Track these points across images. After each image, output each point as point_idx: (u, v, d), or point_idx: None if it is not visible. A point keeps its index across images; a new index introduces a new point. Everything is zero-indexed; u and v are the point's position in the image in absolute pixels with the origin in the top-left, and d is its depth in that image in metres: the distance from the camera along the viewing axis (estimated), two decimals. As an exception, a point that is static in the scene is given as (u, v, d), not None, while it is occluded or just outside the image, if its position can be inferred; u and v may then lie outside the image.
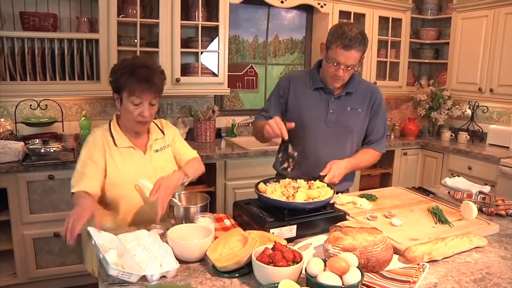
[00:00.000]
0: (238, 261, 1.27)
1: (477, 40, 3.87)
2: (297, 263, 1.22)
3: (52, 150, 2.79)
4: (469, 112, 4.27)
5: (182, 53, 3.37)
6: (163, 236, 1.57)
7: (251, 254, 1.27)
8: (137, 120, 1.77)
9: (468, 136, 4.10)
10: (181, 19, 3.29)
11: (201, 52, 3.50)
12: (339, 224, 1.44)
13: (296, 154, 1.89)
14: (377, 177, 4.27)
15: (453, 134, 4.23)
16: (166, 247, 1.38)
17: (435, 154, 4.10)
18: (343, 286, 1.13)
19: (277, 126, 1.80)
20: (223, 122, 4.01)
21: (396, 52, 4.37)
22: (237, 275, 1.30)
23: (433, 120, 4.26)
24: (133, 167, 1.80)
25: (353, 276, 1.16)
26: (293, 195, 1.66)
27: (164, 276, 1.28)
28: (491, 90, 3.77)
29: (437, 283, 1.32)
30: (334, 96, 2.05)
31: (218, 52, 3.49)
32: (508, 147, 3.80)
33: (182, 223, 1.61)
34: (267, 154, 3.45)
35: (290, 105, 2.12)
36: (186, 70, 3.50)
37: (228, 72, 3.57)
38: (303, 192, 1.66)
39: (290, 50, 4.21)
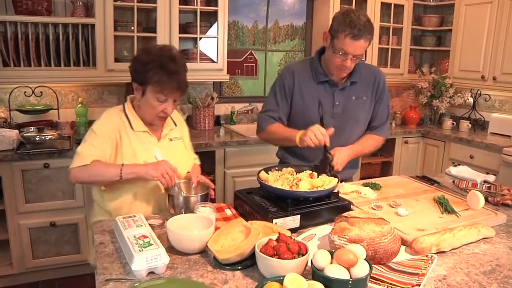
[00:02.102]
0: (241, 253, 1.23)
1: (480, 27, 3.80)
2: (303, 255, 1.18)
3: (47, 138, 2.72)
4: (471, 100, 4.21)
5: (180, 38, 3.30)
6: (160, 226, 1.52)
7: (254, 246, 1.22)
8: (159, 116, 1.73)
9: (470, 125, 4.05)
10: (179, 4, 3.21)
11: (200, 38, 3.42)
12: (345, 214, 1.39)
13: (332, 158, 1.81)
14: (378, 165, 4.23)
15: (455, 123, 4.18)
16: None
17: (436, 142, 4.05)
18: (351, 280, 1.09)
19: (321, 134, 1.74)
20: (222, 109, 3.95)
21: (398, 39, 4.29)
22: (239, 267, 1.25)
23: (435, 108, 4.20)
24: (149, 151, 1.75)
25: (361, 269, 1.12)
26: (296, 184, 1.61)
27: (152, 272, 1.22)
28: (494, 78, 3.71)
29: (446, 275, 1.28)
30: (339, 87, 1.99)
31: (217, 38, 3.41)
32: (510, 136, 3.75)
33: (182, 213, 1.56)
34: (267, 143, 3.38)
35: (295, 101, 2.03)
36: (184, 56, 3.40)
37: (227, 58, 3.50)
38: (306, 181, 1.61)
39: (291, 36, 4.13)
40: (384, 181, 2.12)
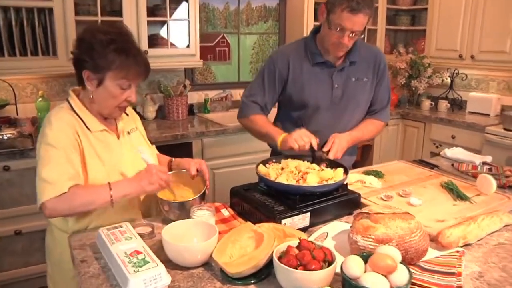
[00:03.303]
0: (256, 265, 1.05)
1: (457, 5, 3.72)
2: (329, 262, 1.01)
3: (5, 137, 2.44)
4: (447, 80, 4.16)
5: (148, 22, 3.03)
6: (150, 235, 1.31)
7: (271, 255, 1.04)
8: (122, 106, 1.44)
9: (449, 105, 4.00)
10: (146, -16, 2.94)
11: (169, 21, 3.16)
12: (365, 210, 1.23)
13: (325, 155, 1.65)
14: (358, 149, 4.11)
15: (433, 103, 4.12)
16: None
17: (416, 123, 3.99)
18: (393, 290, 0.93)
19: (306, 140, 1.60)
20: (195, 97, 3.71)
21: (373, 19, 4.16)
22: (253, 281, 1.08)
23: (413, 89, 4.13)
24: (114, 154, 1.46)
25: (401, 275, 0.96)
26: (302, 178, 1.44)
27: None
28: (472, 57, 3.66)
29: (481, 272, 1.16)
30: (337, 68, 1.82)
31: (189, 21, 3.16)
32: (488, 115, 3.73)
33: (172, 216, 1.37)
34: (247, 131, 3.19)
35: (289, 87, 1.85)
36: (153, 41, 3.16)
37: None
38: (314, 174, 1.44)
39: (264, 18, 3.93)
40: (384, 167, 1.99)
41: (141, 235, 1.27)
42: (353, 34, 1.67)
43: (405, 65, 4.06)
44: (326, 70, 1.81)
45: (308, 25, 3.69)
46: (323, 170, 1.50)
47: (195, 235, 1.20)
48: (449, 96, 4.16)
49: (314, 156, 1.61)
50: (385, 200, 1.58)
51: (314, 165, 1.54)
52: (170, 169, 1.63)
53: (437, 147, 3.76)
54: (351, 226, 1.24)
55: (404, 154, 4.08)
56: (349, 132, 1.83)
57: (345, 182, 1.48)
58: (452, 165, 2.11)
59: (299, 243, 1.05)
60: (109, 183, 1.33)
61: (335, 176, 1.46)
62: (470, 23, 3.64)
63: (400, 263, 1.00)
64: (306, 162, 1.58)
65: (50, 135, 1.34)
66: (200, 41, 3.30)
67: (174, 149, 3.05)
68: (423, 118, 3.91)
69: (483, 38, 3.56)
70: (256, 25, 3.91)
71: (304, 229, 1.36)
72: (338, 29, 1.65)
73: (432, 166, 2.06)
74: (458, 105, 4.05)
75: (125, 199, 1.45)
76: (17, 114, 2.84)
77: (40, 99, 2.83)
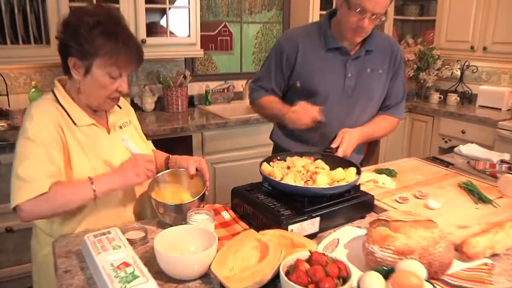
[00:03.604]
0: (260, 281, 0.92)
1: (469, -7, 3.57)
2: (344, 279, 0.88)
3: (-5, 129, 2.30)
4: (457, 72, 4.01)
5: (146, 10, 2.88)
6: (143, 241, 1.19)
7: (277, 269, 0.92)
8: (112, 97, 1.30)
9: (458, 98, 3.86)
10: (144, -31, 2.79)
11: (169, 8, 3.02)
12: (383, 216, 1.10)
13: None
14: (364, 144, 3.98)
15: (442, 96, 3.98)
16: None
17: (424, 117, 3.84)
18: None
19: (308, 113, 1.52)
20: (195, 88, 3.58)
21: (381, 8, 4.01)
22: (257, 297, 0.95)
23: (422, 81, 3.98)
24: (103, 150, 1.32)
25: (428, 296, 0.84)
26: (311, 178, 1.31)
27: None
28: (484, 48, 3.51)
29: (513, 287, 1.03)
30: (352, 56, 1.68)
31: (189, 8, 3.02)
32: (500, 109, 3.58)
33: (168, 220, 1.25)
34: (249, 123, 3.08)
35: (298, 72, 1.72)
36: (152, 30, 3.02)
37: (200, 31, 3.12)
38: (324, 174, 1.31)
39: (267, 7, 3.77)
40: (396, 165, 1.85)
41: (132, 241, 1.15)
42: (374, 17, 1.54)
43: (414, 57, 3.91)
44: (340, 57, 1.68)
45: (314, 14, 3.54)
46: (332, 169, 1.37)
47: (192, 243, 1.08)
48: (459, 89, 4.01)
49: (319, 127, 1.55)
50: (400, 202, 1.45)
51: (323, 164, 1.41)
52: (167, 167, 1.50)
53: (446, 142, 3.63)
54: (366, 234, 1.11)
55: (411, 148, 3.95)
56: (360, 127, 1.69)
57: (357, 183, 1.35)
58: (468, 163, 1.98)
59: (310, 256, 0.93)
60: (89, 177, 1.20)
61: (346, 176, 1.33)
62: (483, 13, 3.48)
63: (426, 280, 0.88)
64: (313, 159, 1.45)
65: (30, 129, 1.21)
66: (201, 30, 3.16)
67: (173, 142, 2.93)
68: (431, 112, 3.77)
69: (497, 28, 3.41)
70: (259, 13, 3.76)
71: (312, 235, 1.23)
72: (358, 10, 1.51)
73: (447, 164, 1.93)
74: (467, 98, 3.91)
75: (117, 199, 1.33)
76: (9, 106, 2.71)
77: (33, 90, 2.70)
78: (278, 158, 1.49)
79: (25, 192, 1.14)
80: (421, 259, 0.98)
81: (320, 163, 1.41)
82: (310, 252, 0.94)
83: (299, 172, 1.34)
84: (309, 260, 0.92)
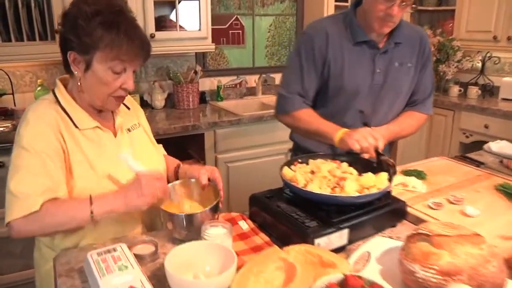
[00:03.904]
0: (288, 309, 0.81)
1: (492, -20, 3.39)
2: (385, 308, 0.77)
3: (0, 130, 2.21)
4: (478, 64, 3.84)
5: (155, 3, 2.77)
6: (152, 257, 1.08)
7: (307, 295, 0.80)
8: (117, 95, 1.18)
9: (479, 91, 3.69)
10: (153, -40, 2.67)
11: (179, 2, 2.90)
12: (423, 230, 0.98)
13: (392, 161, 1.36)
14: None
15: (462, 89, 3.81)
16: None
17: (444, 111, 3.68)
18: None
19: (372, 141, 1.34)
20: (206, 84, 3.47)
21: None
22: (284, 325, 0.84)
23: (441, 74, 3.82)
24: (108, 157, 1.20)
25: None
26: (338, 185, 1.19)
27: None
28: (508, 38, 3.33)
29: None
30: (381, 50, 1.55)
31: (199, 1, 2.90)
32: (524, 102, 3.42)
33: (178, 235, 1.13)
34: (263, 120, 2.96)
35: (327, 68, 1.56)
36: (161, 24, 2.90)
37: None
38: (353, 180, 1.19)
39: (280, -1, 3.64)
40: (424, 166, 1.73)
41: (141, 257, 1.04)
42: (404, 4, 1.40)
43: (433, 48, 3.75)
44: (368, 51, 1.54)
45: (329, 5, 3.41)
46: (361, 175, 1.24)
47: (207, 261, 0.96)
48: (479, 81, 3.84)
49: (379, 162, 1.34)
50: (434, 209, 1.32)
51: (351, 168, 1.28)
52: (176, 177, 1.38)
53: (467, 136, 3.47)
54: (402, 249, 0.99)
55: (430, 144, 3.80)
56: (386, 126, 1.57)
57: (389, 190, 1.23)
58: (501, 162, 1.84)
59: (344, 280, 0.81)
60: (90, 196, 1.09)
61: (377, 182, 1.20)
62: (507, 1, 3.30)
63: (480, 309, 0.76)
64: (343, 163, 1.32)
65: (25, 136, 1.10)
66: (212, 23, 3.04)
67: (185, 141, 2.83)
68: (451, 106, 3.61)
69: (522, 17, 3.24)
70: (272, 6, 3.62)
71: (340, 249, 1.12)
72: None
73: (478, 164, 1.79)
74: (489, 91, 3.73)
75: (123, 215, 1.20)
76: (15, 105, 2.63)
77: (39, 88, 2.61)
78: (299, 161, 1.37)
79: (15, 209, 1.05)
80: (470, 281, 0.86)
81: (347, 167, 1.29)
82: (345, 276, 0.82)
83: (324, 178, 1.22)
84: (343, 284, 0.80)
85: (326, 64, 1.55)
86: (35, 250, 1.29)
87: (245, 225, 1.23)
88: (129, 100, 1.38)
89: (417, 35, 1.60)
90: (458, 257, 0.89)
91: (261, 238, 1.17)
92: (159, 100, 3.16)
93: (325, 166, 1.28)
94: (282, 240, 1.13)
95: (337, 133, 1.42)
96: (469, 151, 2.29)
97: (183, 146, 2.98)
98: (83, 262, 0.99)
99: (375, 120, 1.56)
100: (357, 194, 1.14)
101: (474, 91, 3.69)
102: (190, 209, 1.19)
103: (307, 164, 1.35)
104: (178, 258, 0.93)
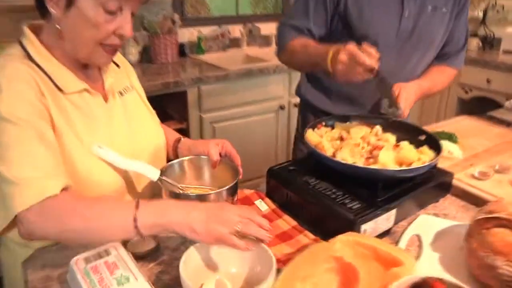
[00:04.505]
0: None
1: None
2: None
3: None
4: (480, 14, 3.61)
5: None
6: (153, 255, 0.84)
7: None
8: (109, 43, 0.87)
9: (480, 43, 3.48)
10: None
11: None
12: (502, 214, 0.77)
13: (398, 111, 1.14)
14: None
15: (460, 40, 3.60)
16: None
17: (440, 65, 3.49)
18: None
19: (359, 60, 1.01)
20: (186, 35, 3.12)
21: None
22: None
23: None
24: (100, 128, 0.93)
25: None
26: (371, 155, 0.96)
27: None
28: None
29: None
30: None
31: None
32: (527, 54, 3.25)
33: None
34: (252, 75, 2.67)
35: (343, 8, 1.28)
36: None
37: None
38: (389, 150, 0.97)
39: None
40: (450, 127, 1.52)
41: (139, 256, 0.80)
42: None
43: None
44: None
45: None
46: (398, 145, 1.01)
47: (232, 261, 0.73)
48: (480, 32, 3.62)
49: (383, 87, 1.10)
50: (479, 179, 1.12)
51: (388, 134, 1.05)
52: (176, 155, 1.11)
53: (466, 92, 3.30)
54: (470, 236, 0.79)
55: (424, 100, 3.63)
56: (418, 81, 1.33)
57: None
58: (527, 121, 1.66)
59: (424, 282, 0.59)
60: (138, 200, 0.76)
61: (420, 155, 0.98)
62: None
63: None
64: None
65: (1, 105, 0.78)
66: (192, -36, 2.68)
67: (164, 99, 2.53)
68: (449, 59, 3.41)
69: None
70: None
71: (384, 234, 0.91)
72: None
73: (508, 124, 1.60)
74: (489, 43, 3.53)
75: (115, 195, 0.94)
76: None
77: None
78: (323, 124, 1.13)
79: (24, 196, 0.74)
80: None
81: (381, 133, 1.06)
82: (431, 283, 0.60)
83: (357, 145, 0.99)
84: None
85: (341, 2, 1.27)
86: (2, 248, 1.01)
87: (263, 205, 1.00)
88: (118, 56, 1.06)
89: None
90: (557, 250, 0.69)
91: (287, 222, 0.94)
92: (133, 54, 2.81)
93: (356, 132, 1.05)
94: (313, 224, 0.92)
95: (329, 53, 1.09)
96: (467, 108, 2.12)
97: (161, 105, 2.69)
98: (67, 274, 0.73)
99: (402, 76, 1.32)
100: (404, 168, 0.92)
101: (474, 43, 3.46)
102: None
103: (333, 127, 1.11)
104: (195, 260, 0.70)
